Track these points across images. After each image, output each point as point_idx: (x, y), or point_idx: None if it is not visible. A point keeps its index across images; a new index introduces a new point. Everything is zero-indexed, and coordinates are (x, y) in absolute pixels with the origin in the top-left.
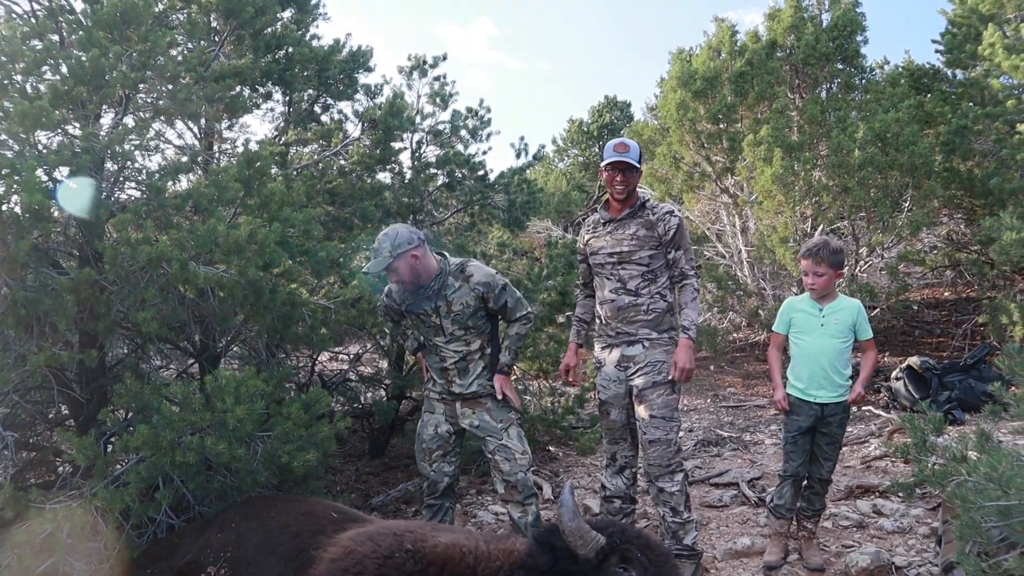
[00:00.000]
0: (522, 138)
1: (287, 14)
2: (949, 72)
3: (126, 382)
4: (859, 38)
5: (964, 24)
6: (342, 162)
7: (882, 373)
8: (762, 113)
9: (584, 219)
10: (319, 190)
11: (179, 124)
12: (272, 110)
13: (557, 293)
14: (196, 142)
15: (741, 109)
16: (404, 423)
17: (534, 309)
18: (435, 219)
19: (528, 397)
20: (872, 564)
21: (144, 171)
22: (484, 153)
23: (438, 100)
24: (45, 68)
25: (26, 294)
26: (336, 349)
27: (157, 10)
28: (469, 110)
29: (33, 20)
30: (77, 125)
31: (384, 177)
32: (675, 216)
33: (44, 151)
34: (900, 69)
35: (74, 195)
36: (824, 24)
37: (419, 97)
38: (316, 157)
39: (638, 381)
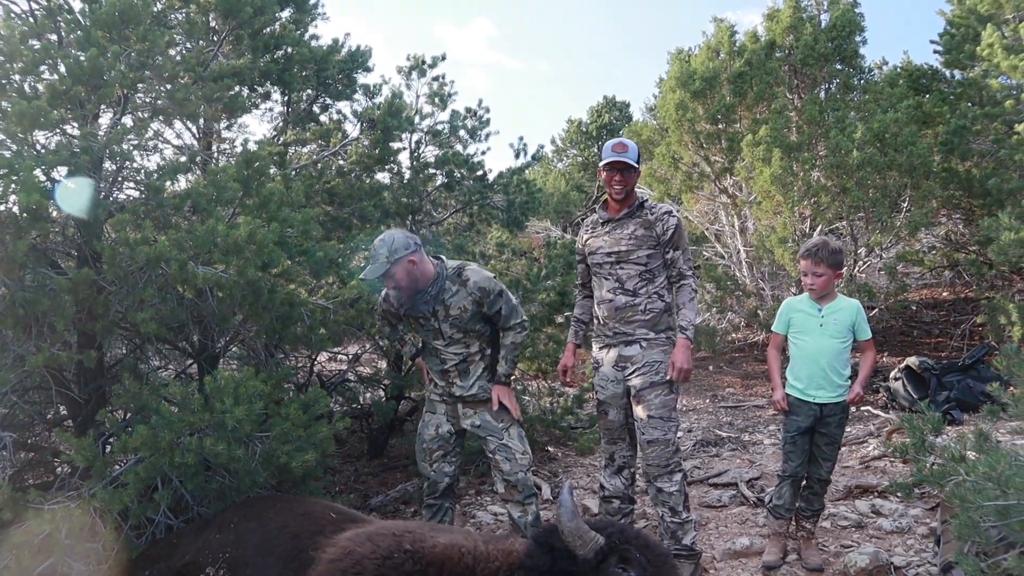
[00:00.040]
0: (521, 138)
1: (286, 14)
2: (947, 72)
3: (125, 382)
4: (858, 38)
5: (962, 24)
6: (341, 162)
7: (881, 373)
8: (761, 113)
9: (583, 219)
10: (318, 190)
11: (178, 124)
12: (271, 110)
13: (556, 293)
14: (195, 142)
15: (740, 109)
16: (403, 423)
17: (534, 309)
18: (434, 219)
19: (527, 397)
20: (871, 564)
21: (143, 171)
22: (483, 153)
23: (437, 100)
24: (43, 68)
25: (24, 294)
26: (335, 349)
27: (155, 9)
28: (468, 110)
29: (31, 20)
30: (75, 125)
31: (383, 177)
32: (673, 216)
33: (42, 151)
34: (899, 69)
35: (72, 195)
36: (823, 24)
37: (418, 97)
38: (315, 157)
39: (636, 381)
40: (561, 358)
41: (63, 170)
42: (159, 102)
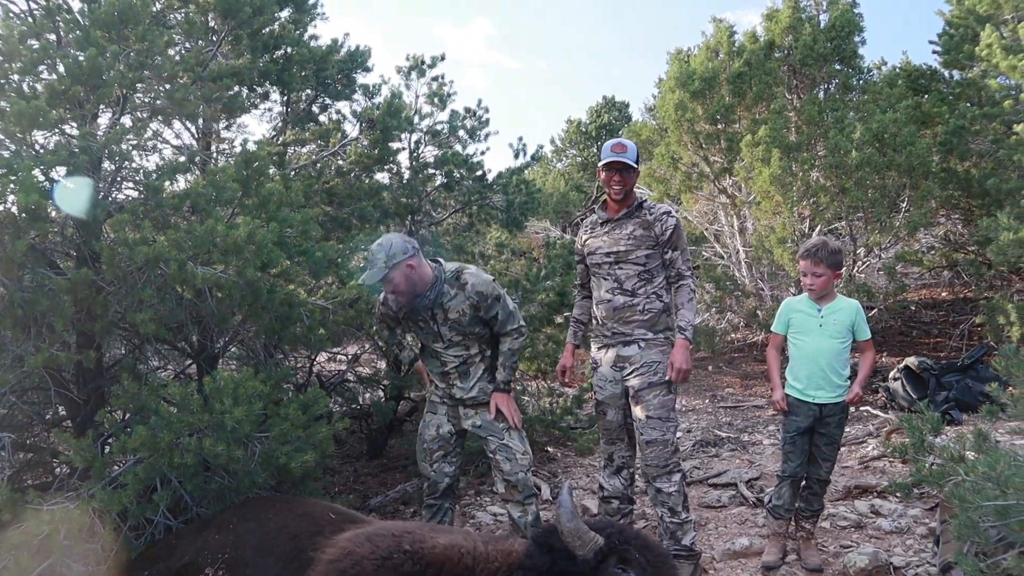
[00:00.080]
0: (520, 138)
1: (285, 14)
2: (946, 73)
3: (124, 383)
4: (857, 39)
5: (961, 25)
6: (340, 162)
7: (880, 373)
8: (760, 113)
9: (582, 219)
10: (317, 190)
11: (177, 124)
12: (270, 110)
13: (555, 294)
14: (194, 142)
15: (739, 109)
16: (402, 424)
17: (533, 309)
18: (433, 219)
19: (526, 397)
20: (870, 564)
21: (142, 171)
22: (482, 153)
23: (436, 100)
24: (42, 67)
25: (23, 294)
26: (334, 350)
27: (155, 9)
28: (467, 110)
29: (30, 19)
30: (74, 125)
31: (382, 177)
32: (672, 216)
33: (41, 151)
34: (897, 70)
35: (71, 195)
36: (822, 25)
37: (417, 97)
38: (314, 157)
39: (634, 382)
40: (560, 358)
41: (62, 170)
42: (158, 102)
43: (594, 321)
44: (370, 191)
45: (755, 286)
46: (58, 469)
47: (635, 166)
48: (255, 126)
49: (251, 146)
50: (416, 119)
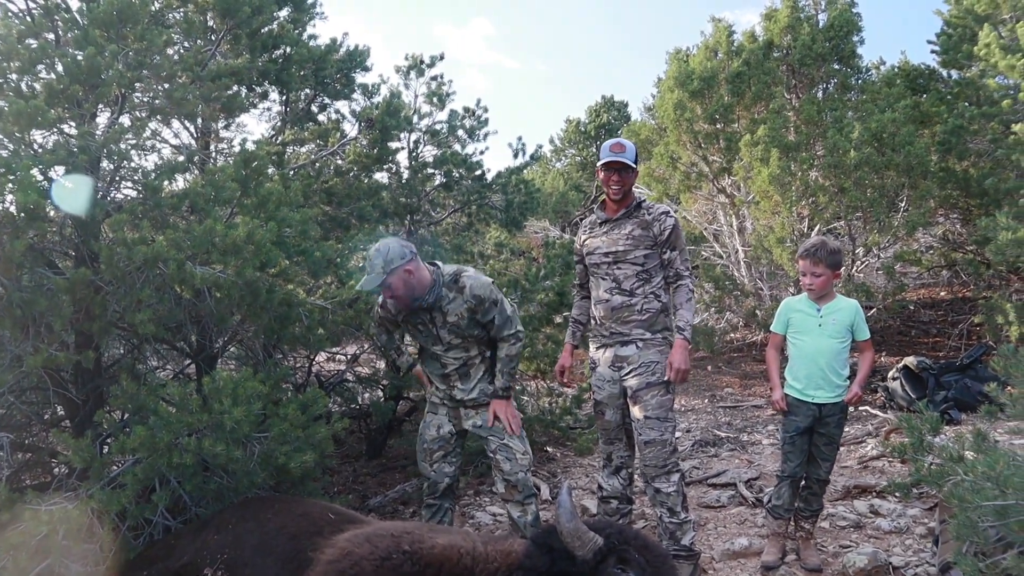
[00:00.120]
0: (519, 138)
1: (284, 13)
2: (945, 72)
3: (122, 383)
4: (855, 38)
5: (960, 25)
6: (339, 162)
7: (879, 373)
8: (759, 113)
9: (581, 219)
10: (316, 190)
11: (175, 123)
12: (269, 110)
13: (555, 293)
14: (192, 141)
15: (738, 109)
16: (401, 424)
17: (532, 309)
18: (432, 219)
19: (525, 397)
20: (869, 564)
21: (140, 170)
22: (481, 153)
23: (435, 100)
24: (41, 67)
25: (22, 294)
26: (333, 350)
27: (153, 9)
28: (466, 110)
29: (29, 19)
30: (73, 124)
31: (381, 177)
32: (670, 216)
33: (40, 150)
34: (896, 69)
35: (70, 194)
36: (820, 24)
37: (416, 97)
38: (313, 157)
39: (632, 382)
40: (559, 358)
41: (60, 169)
42: (157, 101)
43: (592, 321)
44: (369, 191)
45: (754, 286)
46: (57, 469)
47: (634, 166)
48: (254, 126)
49: (250, 146)
50: (415, 119)
